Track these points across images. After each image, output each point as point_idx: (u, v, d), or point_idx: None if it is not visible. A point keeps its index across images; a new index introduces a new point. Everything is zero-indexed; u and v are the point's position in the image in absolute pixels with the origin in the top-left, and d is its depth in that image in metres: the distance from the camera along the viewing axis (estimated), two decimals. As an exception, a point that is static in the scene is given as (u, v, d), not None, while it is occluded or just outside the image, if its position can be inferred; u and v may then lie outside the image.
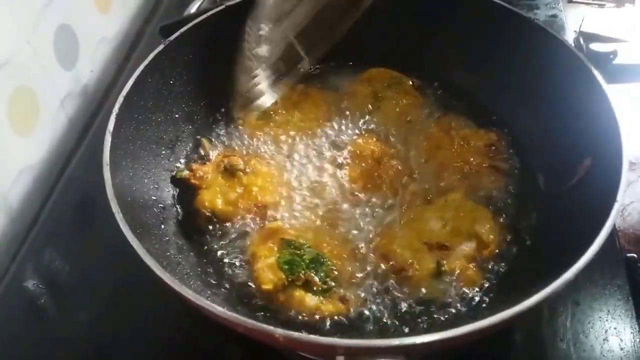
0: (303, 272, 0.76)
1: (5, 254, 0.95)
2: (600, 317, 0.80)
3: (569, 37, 1.19)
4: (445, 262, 0.78)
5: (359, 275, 0.79)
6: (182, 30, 0.91)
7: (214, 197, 0.86)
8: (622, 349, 0.76)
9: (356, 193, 0.88)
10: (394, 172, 0.90)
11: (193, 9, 1.13)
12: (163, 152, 0.92)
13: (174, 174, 0.92)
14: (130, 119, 0.83)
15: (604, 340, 0.77)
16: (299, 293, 0.75)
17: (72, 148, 1.11)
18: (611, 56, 1.11)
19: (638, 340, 0.77)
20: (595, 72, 0.81)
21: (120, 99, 0.80)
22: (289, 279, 0.76)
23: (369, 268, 0.80)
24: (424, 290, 0.77)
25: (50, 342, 0.82)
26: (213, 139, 0.97)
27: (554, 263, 0.64)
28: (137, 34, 1.34)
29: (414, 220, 0.84)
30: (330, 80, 1.06)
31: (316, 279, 0.76)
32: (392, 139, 0.96)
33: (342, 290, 0.77)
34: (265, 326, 0.57)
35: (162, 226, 0.84)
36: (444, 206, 0.85)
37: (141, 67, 0.85)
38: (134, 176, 0.83)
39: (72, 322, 0.84)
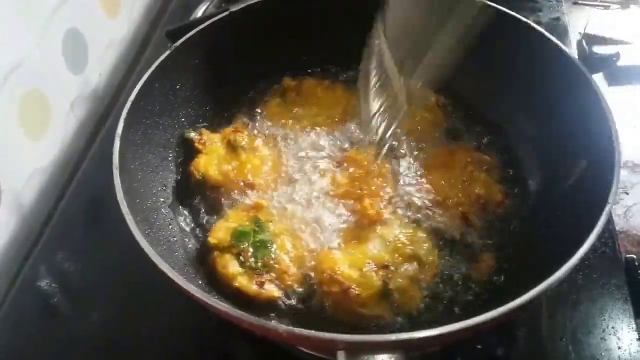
0: (244, 245, 0.80)
1: (18, 254, 0.97)
2: (599, 317, 0.80)
3: (573, 40, 1.18)
4: (390, 282, 0.77)
5: (293, 274, 0.79)
6: (189, 35, 0.92)
7: (210, 163, 0.90)
8: (620, 347, 0.77)
9: (334, 199, 0.87)
10: (375, 187, 0.88)
11: (199, 13, 1.15)
12: (170, 155, 0.93)
13: (182, 134, 0.95)
14: (138, 123, 0.85)
15: (602, 339, 0.78)
16: (228, 257, 0.79)
17: (83, 150, 1.13)
18: (614, 58, 1.12)
19: (636, 339, 0.78)
20: (591, 78, 0.81)
21: (128, 104, 0.82)
22: (231, 244, 0.80)
23: (311, 274, 0.79)
24: (365, 308, 0.76)
25: (63, 339, 0.84)
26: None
27: (550, 263, 0.65)
28: (144, 38, 1.36)
29: (363, 239, 0.82)
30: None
31: (249, 255, 0.79)
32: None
33: (266, 276, 0.78)
34: (269, 323, 0.59)
35: (170, 227, 0.85)
36: (390, 229, 0.83)
37: (148, 73, 0.86)
38: (143, 179, 0.84)
39: (84, 320, 0.86)
